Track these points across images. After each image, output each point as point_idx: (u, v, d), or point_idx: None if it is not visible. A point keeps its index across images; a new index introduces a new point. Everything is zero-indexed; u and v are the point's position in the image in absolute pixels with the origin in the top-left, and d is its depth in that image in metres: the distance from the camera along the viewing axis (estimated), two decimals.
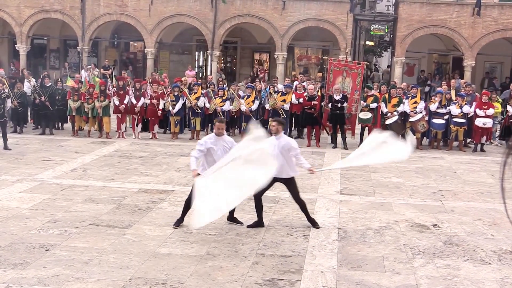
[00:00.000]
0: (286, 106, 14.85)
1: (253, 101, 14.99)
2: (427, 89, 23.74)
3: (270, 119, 14.94)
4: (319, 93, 15.09)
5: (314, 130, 14.86)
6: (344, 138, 14.36)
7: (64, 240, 7.04)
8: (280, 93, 15.01)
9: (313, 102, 14.38)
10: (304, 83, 16.32)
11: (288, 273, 6.23)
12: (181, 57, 27.69)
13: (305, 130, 15.46)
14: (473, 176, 11.65)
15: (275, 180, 7.53)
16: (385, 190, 10.19)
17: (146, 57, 25.48)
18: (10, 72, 23.43)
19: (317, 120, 14.48)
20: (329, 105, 14.31)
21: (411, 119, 14.30)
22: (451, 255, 6.92)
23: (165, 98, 15.02)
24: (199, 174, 7.25)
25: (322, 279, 6.06)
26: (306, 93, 14.89)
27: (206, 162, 7.51)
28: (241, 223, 7.81)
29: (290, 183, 7.72)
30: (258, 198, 7.69)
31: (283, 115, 14.74)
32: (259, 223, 7.79)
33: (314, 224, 7.83)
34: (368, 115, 14.38)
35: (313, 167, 8.02)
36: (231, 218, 7.87)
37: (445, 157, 13.61)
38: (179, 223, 7.74)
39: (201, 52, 28.55)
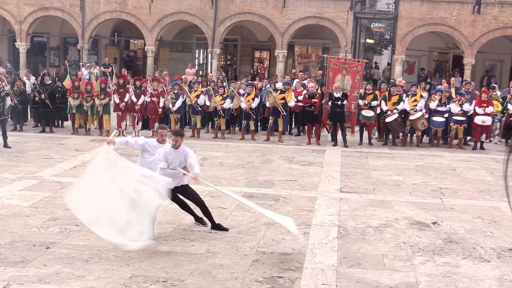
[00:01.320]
0: (291, 103, 14.75)
1: (253, 99, 14.99)
2: (427, 87, 23.70)
3: (270, 117, 14.97)
4: (319, 91, 15.09)
5: (314, 128, 14.86)
6: (344, 136, 14.37)
7: (64, 238, 7.05)
8: (279, 91, 15.01)
9: (313, 100, 14.37)
10: (304, 81, 16.31)
11: (288, 271, 6.23)
12: (181, 55, 27.66)
13: (305, 128, 15.48)
14: (472, 174, 11.65)
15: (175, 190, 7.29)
16: (385, 188, 10.19)
17: (146, 55, 25.45)
18: (7, 70, 23.35)
19: (317, 118, 14.49)
20: (329, 103, 14.31)
21: (411, 117, 14.31)
22: (451, 253, 6.93)
23: (165, 96, 15.01)
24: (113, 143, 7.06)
25: (322, 277, 6.07)
26: (305, 91, 14.90)
27: (140, 162, 7.33)
28: (206, 225, 7.57)
29: (186, 190, 7.42)
30: (180, 202, 7.50)
31: (283, 112, 14.76)
32: (198, 218, 7.66)
33: (202, 222, 7.63)
34: (371, 113, 14.42)
35: (197, 175, 7.15)
36: (198, 219, 7.65)
37: (445, 155, 13.61)
38: None
39: (201, 50, 28.51)
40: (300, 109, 14.72)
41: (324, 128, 15.12)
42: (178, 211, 8.22)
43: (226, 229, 7.54)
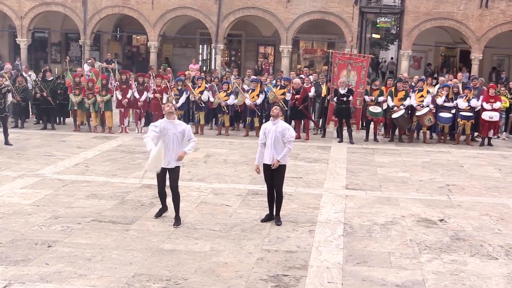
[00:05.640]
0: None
1: (258, 95, 14.87)
2: (434, 82, 23.54)
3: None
4: (324, 87, 14.96)
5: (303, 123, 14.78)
6: (350, 132, 14.24)
7: (66, 236, 6.99)
8: (279, 86, 14.89)
9: (296, 96, 14.28)
10: (310, 77, 16.19)
11: (294, 269, 6.19)
12: (185, 50, 27.54)
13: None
14: (480, 170, 11.53)
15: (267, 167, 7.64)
16: (392, 184, 10.10)
17: (149, 51, 25.36)
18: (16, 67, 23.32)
19: (304, 114, 14.37)
20: (335, 98, 14.18)
21: (417, 113, 14.17)
22: (458, 250, 6.88)
23: (168, 92, 14.90)
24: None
25: (328, 275, 6.02)
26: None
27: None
28: None
29: (278, 171, 7.64)
30: (270, 191, 7.74)
31: (284, 107, 14.65)
32: (270, 216, 7.81)
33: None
34: (378, 109, 14.27)
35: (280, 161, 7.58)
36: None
37: (452, 151, 13.49)
38: (161, 212, 7.90)
39: (205, 46, 28.40)
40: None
41: (312, 124, 15.07)
42: (181, 209, 8.15)
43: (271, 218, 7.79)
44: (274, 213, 7.79)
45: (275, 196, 7.72)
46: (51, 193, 8.89)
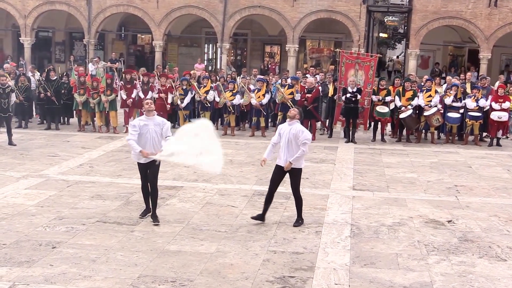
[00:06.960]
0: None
1: (263, 95, 14.79)
2: (442, 82, 23.38)
3: (279, 112, 14.76)
4: (331, 87, 14.86)
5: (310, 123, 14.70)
6: (353, 132, 14.16)
7: (71, 237, 6.95)
8: (287, 86, 14.79)
9: (306, 95, 14.18)
10: (317, 76, 16.09)
11: (300, 270, 6.14)
12: (190, 49, 27.50)
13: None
14: (488, 171, 11.43)
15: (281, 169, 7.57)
16: (399, 185, 10.02)
17: (154, 50, 25.33)
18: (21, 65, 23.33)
19: (312, 114, 14.28)
20: (343, 97, 14.08)
21: (425, 113, 14.06)
22: (466, 252, 6.82)
23: (173, 92, 14.84)
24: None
25: (335, 277, 5.97)
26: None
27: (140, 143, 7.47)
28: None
29: (293, 174, 7.58)
30: (270, 192, 7.67)
31: (292, 107, 14.55)
32: (262, 216, 7.72)
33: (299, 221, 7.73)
34: (386, 109, 14.16)
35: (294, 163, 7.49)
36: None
37: (460, 152, 13.38)
38: (146, 213, 7.77)
39: (210, 45, 28.36)
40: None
41: (319, 124, 14.95)
42: (186, 210, 8.11)
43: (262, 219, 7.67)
44: (296, 214, 7.72)
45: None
46: (55, 193, 8.85)
